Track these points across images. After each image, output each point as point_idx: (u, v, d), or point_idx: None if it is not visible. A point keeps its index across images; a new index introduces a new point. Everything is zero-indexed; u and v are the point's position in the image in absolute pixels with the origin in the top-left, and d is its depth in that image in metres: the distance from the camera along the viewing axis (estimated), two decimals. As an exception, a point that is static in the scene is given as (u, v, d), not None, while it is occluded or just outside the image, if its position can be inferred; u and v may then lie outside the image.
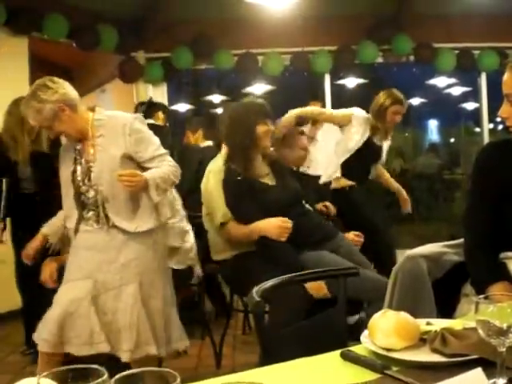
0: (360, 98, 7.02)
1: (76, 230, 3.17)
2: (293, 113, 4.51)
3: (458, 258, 2.33)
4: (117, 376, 0.87)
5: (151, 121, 6.11)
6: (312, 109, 4.94)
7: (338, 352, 1.45)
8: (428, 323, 1.55)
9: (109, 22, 6.71)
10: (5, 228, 4.37)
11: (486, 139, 7.90)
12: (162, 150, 3.18)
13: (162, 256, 3.28)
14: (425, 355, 1.41)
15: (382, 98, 4.82)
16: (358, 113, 4.83)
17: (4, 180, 4.10)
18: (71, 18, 6.27)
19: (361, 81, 10.22)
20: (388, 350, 1.43)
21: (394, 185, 5.26)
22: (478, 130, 10.00)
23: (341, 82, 9.76)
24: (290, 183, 3.64)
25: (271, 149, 3.70)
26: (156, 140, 3.20)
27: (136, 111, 6.61)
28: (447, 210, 10.16)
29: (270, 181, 3.58)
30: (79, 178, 3.12)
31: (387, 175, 5.28)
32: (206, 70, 8.50)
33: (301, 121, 4.52)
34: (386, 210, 9.15)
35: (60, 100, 3.02)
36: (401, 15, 7.31)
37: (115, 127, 3.11)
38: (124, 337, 2.96)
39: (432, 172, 11.40)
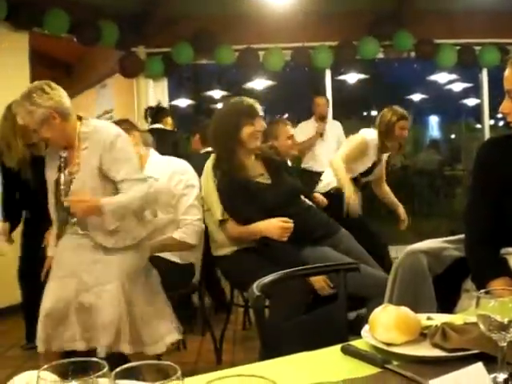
0: (360, 93, 7.02)
1: (58, 236, 3.24)
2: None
3: (459, 254, 2.33)
4: (117, 369, 0.87)
5: (160, 125, 6.09)
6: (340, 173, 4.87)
7: (338, 346, 1.45)
8: (429, 318, 1.55)
9: (109, 17, 6.70)
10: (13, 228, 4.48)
11: (487, 135, 7.89)
12: (136, 176, 3.12)
13: (145, 256, 3.32)
14: (425, 350, 1.41)
15: (387, 115, 4.90)
16: (369, 137, 4.86)
17: None
18: (72, 13, 6.27)
19: (362, 76, 10.21)
20: (388, 344, 1.43)
21: (396, 205, 5.29)
22: (478, 126, 9.99)
23: (342, 77, 9.75)
24: (286, 180, 3.60)
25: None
26: (133, 164, 3.15)
27: (145, 116, 6.61)
28: (448, 206, 10.16)
29: (265, 180, 3.55)
30: (62, 187, 3.12)
31: (391, 196, 5.31)
32: (207, 65, 8.50)
33: None
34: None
35: (53, 107, 3.00)
36: (402, 11, 7.30)
37: (99, 142, 3.07)
38: (103, 333, 2.97)
39: (433, 168, 11.40)
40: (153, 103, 7.56)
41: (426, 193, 10.62)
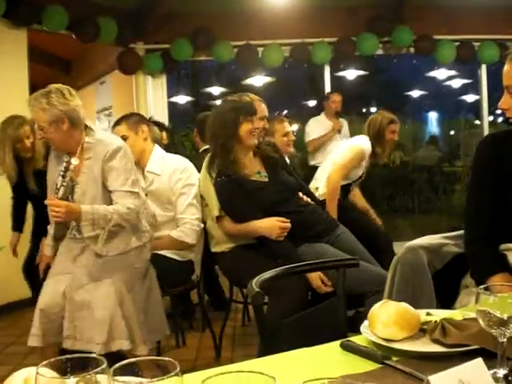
0: (359, 89, 7.01)
1: (55, 237, 3.34)
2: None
3: (458, 250, 2.33)
4: (116, 365, 0.87)
5: None
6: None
7: (337, 342, 1.45)
8: (428, 314, 1.55)
9: (108, 13, 6.69)
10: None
11: (486, 131, 7.89)
12: (128, 188, 3.14)
13: (143, 260, 3.33)
14: (425, 345, 1.41)
15: (377, 119, 4.89)
16: (365, 146, 4.82)
17: None
18: (70, 9, 6.25)
19: (361, 72, 10.21)
20: (388, 340, 1.43)
21: (365, 204, 5.25)
22: (478, 122, 9.99)
23: (341, 73, 9.75)
24: (283, 178, 3.60)
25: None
26: (128, 177, 3.16)
27: None
28: (447, 202, 10.17)
29: (261, 178, 3.54)
30: (61, 193, 3.14)
31: (363, 200, 5.26)
32: (206, 61, 8.50)
33: None
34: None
35: (66, 112, 3.07)
36: (401, 7, 7.30)
37: (101, 152, 3.13)
38: (97, 330, 2.98)
39: (432, 164, 11.40)
40: (152, 100, 7.57)
41: (425, 189, 10.62)
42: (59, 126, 3.07)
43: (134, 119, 3.96)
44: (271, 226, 3.34)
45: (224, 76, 15.28)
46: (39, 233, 4.39)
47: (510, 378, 1.21)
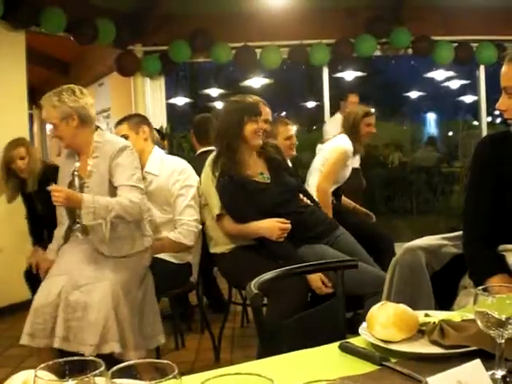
0: (358, 91, 7.00)
1: (65, 237, 3.38)
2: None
3: (457, 251, 2.33)
4: (114, 368, 0.87)
5: None
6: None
7: (336, 344, 1.45)
8: (426, 315, 1.55)
9: (106, 15, 6.69)
10: None
11: (485, 132, 7.90)
12: (133, 183, 3.20)
13: (142, 266, 3.35)
14: (423, 347, 1.41)
15: (352, 114, 4.84)
16: (348, 146, 4.73)
17: None
18: (69, 11, 6.25)
19: (359, 74, 10.21)
20: (386, 341, 1.43)
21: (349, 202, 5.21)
22: (476, 123, 10.00)
23: (339, 74, 9.75)
24: (285, 180, 3.60)
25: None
26: (134, 173, 3.22)
27: None
28: (445, 203, 10.18)
29: (264, 179, 3.55)
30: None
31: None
32: (204, 63, 8.49)
33: None
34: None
35: (76, 109, 3.20)
36: (399, 8, 7.30)
37: (108, 152, 3.21)
38: (90, 332, 2.98)
39: (430, 165, 11.42)
40: (150, 102, 7.57)
41: (423, 190, 10.64)
42: (69, 122, 3.19)
43: (135, 119, 3.99)
44: (271, 226, 3.34)
45: (222, 77, 15.31)
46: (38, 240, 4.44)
47: (508, 379, 1.21)
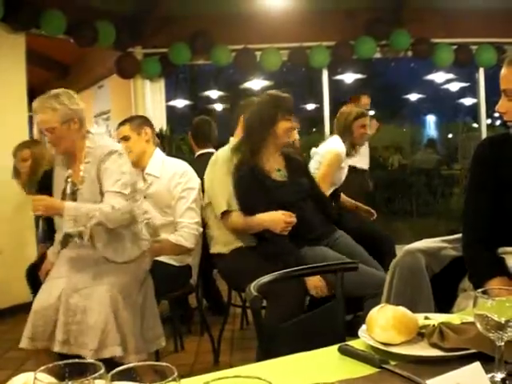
0: (357, 93, 6.98)
1: (64, 242, 3.35)
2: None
3: (456, 253, 2.33)
4: (114, 370, 0.87)
5: None
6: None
7: (335, 347, 1.45)
8: (426, 317, 1.55)
9: (106, 17, 6.69)
10: None
11: (484, 134, 7.89)
12: (118, 189, 3.13)
13: (142, 270, 3.34)
14: (423, 349, 1.41)
15: (343, 114, 4.77)
16: (340, 148, 4.68)
17: None
18: (69, 14, 6.25)
19: (359, 76, 10.22)
20: (386, 344, 1.43)
21: (351, 202, 5.18)
22: (475, 125, 10.01)
23: (339, 77, 9.76)
24: (300, 181, 3.61)
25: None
26: (121, 179, 3.15)
27: None
28: (445, 205, 10.18)
29: (281, 177, 3.56)
30: (67, 199, 3.18)
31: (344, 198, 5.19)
32: (204, 65, 8.49)
33: None
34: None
35: (76, 112, 3.16)
36: (399, 10, 7.30)
37: (97, 156, 3.17)
38: (90, 336, 2.97)
39: (430, 167, 11.41)
40: (150, 104, 7.57)
41: (423, 192, 10.63)
42: (71, 125, 3.14)
43: (138, 121, 4.00)
44: (277, 219, 3.35)
45: (222, 80, 15.31)
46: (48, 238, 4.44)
47: (507, 382, 1.21)
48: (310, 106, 15.46)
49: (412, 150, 14.20)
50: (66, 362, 0.92)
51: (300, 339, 1.97)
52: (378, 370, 1.32)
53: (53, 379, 0.89)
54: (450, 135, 15.86)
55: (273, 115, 3.48)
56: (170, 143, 7.08)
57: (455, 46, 7.49)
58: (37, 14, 6.05)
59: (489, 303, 1.24)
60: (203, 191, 3.84)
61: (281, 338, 1.95)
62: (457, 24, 7.31)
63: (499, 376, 1.22)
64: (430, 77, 10.79)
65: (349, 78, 9.96)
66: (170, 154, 4.27)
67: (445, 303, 2.27)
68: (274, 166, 3.56)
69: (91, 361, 0.91)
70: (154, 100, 7.72)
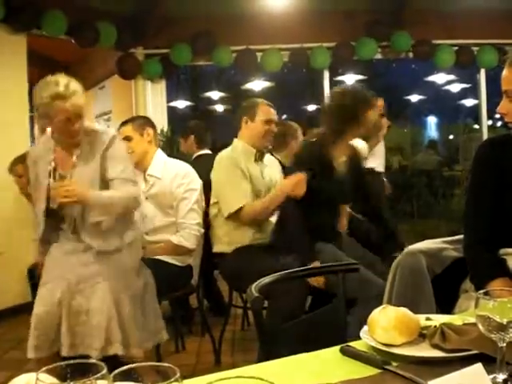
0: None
1: (42, 240, 3.25)
2: None
3: (458, 254, 2.33)
4: (116, 371, 0.87)
5: None
6: None
7: (337, 347, 1.45)
8: (428, 318, 1.55)
9: (107, 18, 6.70)
10: None
11: (485, 135, 7.90)
12: (128, 176, 3.14)
13: (136, 257, 3.31)
14: (424, 350, 1.40)
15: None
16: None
17: None
18: (70, 14, 6.27)
19: (359, 77, 10.23)
20: (388, 345, 1.42)
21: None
22: (477, 126, 10.01)
23: (339, 78, 9.76)
24: (353, 181, 3.65)
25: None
26: (127, 165, 3.17)
27: None
28: (446, 206, 10.16)
29: (342, 167, 3.59)
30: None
31: None
32: (205, 66, 8.49)
33: None
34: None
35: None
36: (400, 11, 7.31)
37: (99, 143, 3.12)
38: (95, 335, 2.96)
39: (431, 168, 11.41)
40: (151, 105, 7.58)
41: (424, 193, 10.62)
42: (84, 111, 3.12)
43: (140, 121, 4.01)
44: (290, 183, 3.39)
45: (223, 81, 15.31)
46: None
47: (509, 383, 1.21)
48: (311, 107, 15.46)
49: (413, 151, 14.21)
50: (67, 362, 0.92)
51: (301, 340, 1.97)
52: (379, 370, 1.32)
53: (55, 380, 0.88)
54: (451, 136, 15.87)
55: (362, 104, 3.49)
56: (171, 144, 7.07)
57: (456, 48, 7.49)
58: (38, 14, 6.06)
59: (490, 304, 1.24)
60: (203, 192, 3.85)
61: (282, 338, 1.95)
62: (458, 25, 7.31)
63: (501, 377, 1.22)
64: (431, 78, 10.78)
65: (350, 78, 9.96)
66: (171, 155, 4.26)
67: (446, 304, 2.27)
68: (340, 157, 3.59)
69: (93, 361, 0.91)
70: (155, 101, 7.73)
